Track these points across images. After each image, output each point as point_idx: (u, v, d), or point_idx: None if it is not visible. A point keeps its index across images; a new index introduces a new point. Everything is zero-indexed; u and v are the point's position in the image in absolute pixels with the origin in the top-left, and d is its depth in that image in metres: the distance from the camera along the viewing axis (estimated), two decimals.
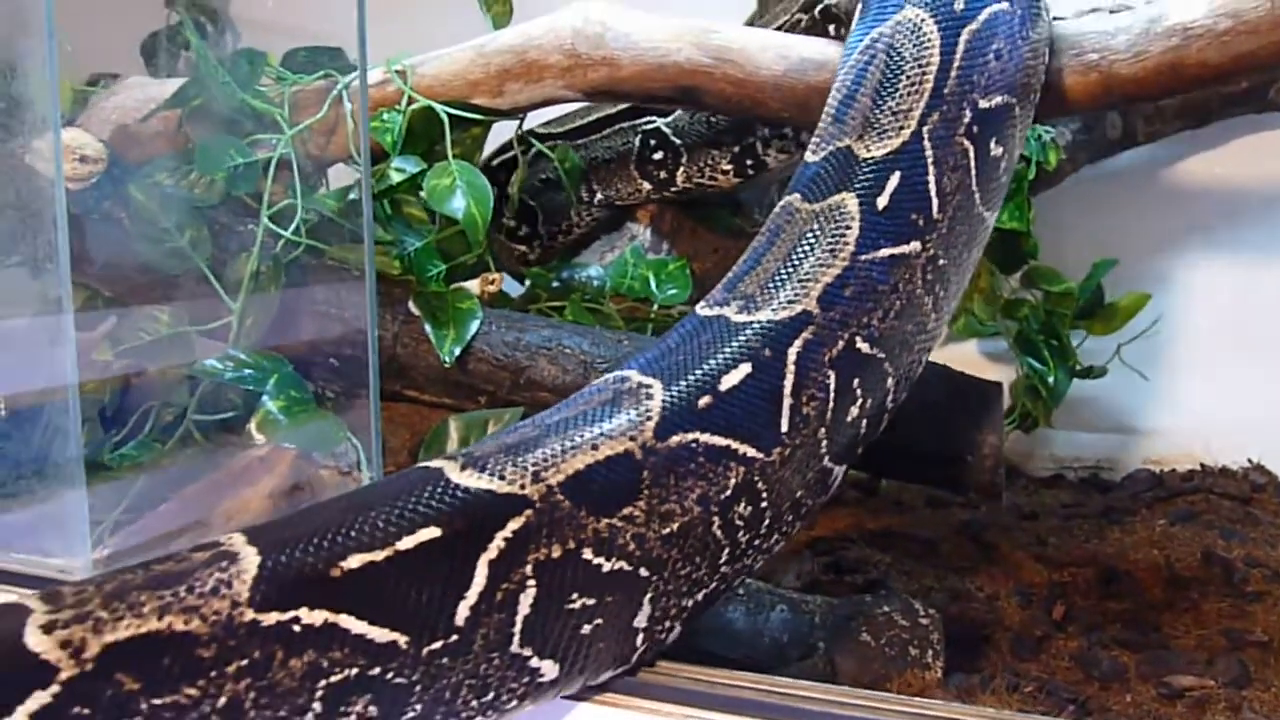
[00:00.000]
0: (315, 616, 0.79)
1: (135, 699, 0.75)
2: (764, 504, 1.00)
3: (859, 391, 1.05)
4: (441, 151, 1.46)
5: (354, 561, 0.81)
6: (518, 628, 0.87)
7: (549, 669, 0.91)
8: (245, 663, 0.78)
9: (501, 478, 0.88)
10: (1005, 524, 1.89)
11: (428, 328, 1.40)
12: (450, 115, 1.47)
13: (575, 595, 0.90)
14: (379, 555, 0.82)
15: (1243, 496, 2.09)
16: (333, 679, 0.80)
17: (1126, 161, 2.07)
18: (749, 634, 1.22)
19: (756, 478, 0.98)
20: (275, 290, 1.39)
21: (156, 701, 0.75)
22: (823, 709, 0.91)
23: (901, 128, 1.08)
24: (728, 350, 0.99)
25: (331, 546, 0.81)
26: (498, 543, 0.86)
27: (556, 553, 0.88)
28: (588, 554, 0.90)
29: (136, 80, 1.66)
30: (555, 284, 1.68)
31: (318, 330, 1.43)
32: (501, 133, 1.75)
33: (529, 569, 0.87)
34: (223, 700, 0.77)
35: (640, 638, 0.96)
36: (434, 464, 0.89)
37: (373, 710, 0.82)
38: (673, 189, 1.77)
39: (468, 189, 1.39)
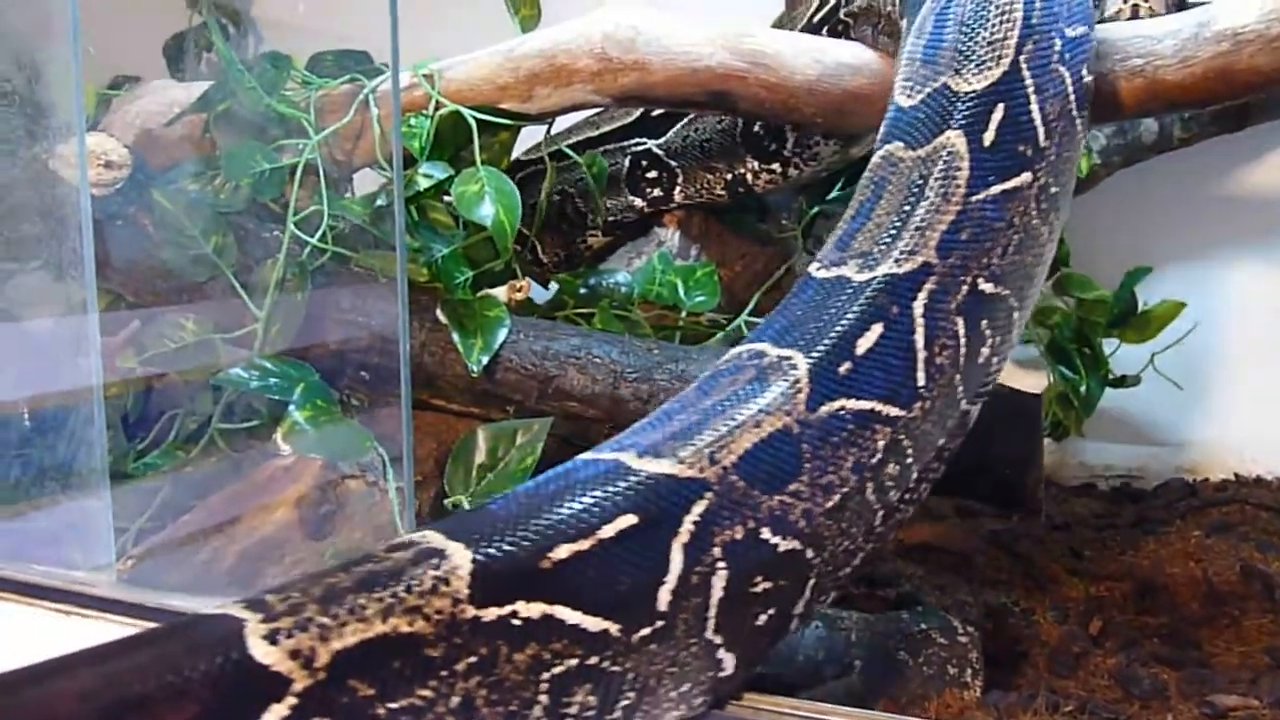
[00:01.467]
0: (532, 609, 0.80)
1: (372, 705, 0.74)
2: (909, 460, 1.02)
3: (988, 332, 1.06)
4: (469, 157, 1.44)
5: (562, 552, 0.82)
6: (712, 613, 0.88)
7: (729, 662, 0.92)
8: (473, 660, 0.77)
9: (681, 462, 0.89)
10: (1038, 535, 1.85)
11: (455, 336, 1.38)
12: (478, 120, 1.45)
13: (758, 578, 0.91)
14: (584, 545, 0.82)
15: (1279, 507, 2.05)
16: (555, 670, 0.81)
17: (1162, 166, 2.03)
18: (784, 652, 1.20)
19: (901, 436, 1.00)
20: (301, 297, 1.37)
21: (393, 706, 0.75)
22: None
23: (1000, 57, 1.06)
24: (856, 312, 0.99)
25: (538, 539, 0.82)
26: (687, 526, 0.87)
27: (739, 534, 0.89)
28: (765, 533, 0.91)
29: (160, 83, 1.65)
30: (583, 290, 1.66)
31: (344, 338, 1.42)
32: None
33: (718, 551, 0.88)
34: (455, 700, 0.77)
35: (794, 623, 0.99)
36: (605, 455, 0.90)
37: (593, 700, 0.83)
38: (671, 205, 1.75)
39: (496, 195, 1.37)
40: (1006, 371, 2.24)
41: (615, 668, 0.84)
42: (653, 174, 1.71)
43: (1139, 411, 2.21)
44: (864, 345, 0.98)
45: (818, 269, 1.04)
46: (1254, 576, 1.63)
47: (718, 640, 0.90)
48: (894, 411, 0.98)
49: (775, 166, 1.64)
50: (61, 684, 0.70)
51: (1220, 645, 1.47)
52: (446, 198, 1.44)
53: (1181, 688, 1.34)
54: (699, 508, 0.88)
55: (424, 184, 1.40)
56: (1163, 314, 2.07)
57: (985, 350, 1.06)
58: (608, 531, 0.83)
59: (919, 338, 0.99)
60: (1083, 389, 2.03)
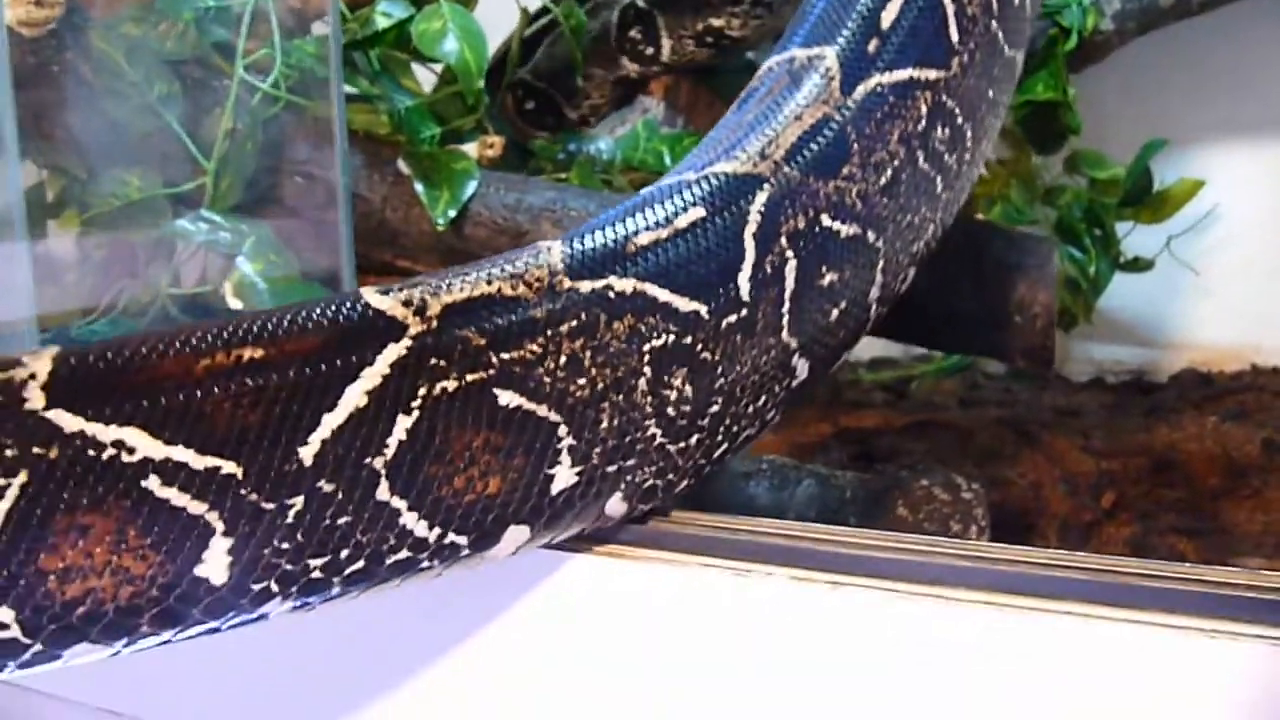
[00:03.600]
0: (625, 284, 0.84)
1: (485, 353, 0.78)
2: (959, 119, 1.03)
3: None
4: None
5: (644, 239, 0.87)
6: (786, 308, 0.92)
7: (802, 368, 0.96)
8: (575, 323, 0.82)
9: (735, 160, 0.93)
10: (1045, 419, 1.76)
11: (419, 188, 1.28)
12: None
13: (824, 269, 0.94)
14: (663, 233, 0.88)
15: None
16: (654, 342, 0.85)
17: (1181, 33, 1.91)
18: (772, 509, 1.11)
19: (944, 96, 1.02)
20: (252, 149, 1.27)
21: (505, 356, 0.79)
22: (859, 552, 0.79)
23: None
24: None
25: (620, 228, 0.87)
26: (754, 216, 0.91)
27: (801, 223, 0.93)
28: (826, 220, 0.95)
29: None
30: (561, 156, 1.55)
31: (299, 193, 1.31)
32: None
33: (784, 240, 0.92)
34: (564, 357, 0.81)
35: (871, 314, 1.01)
36: (666, 180, 0.94)
37: (689, 391, 0.87)
38: (660, 64, 1.64)
39: (461, 33, 1.26)
40: None
41: (706, 354, 0.88)
42: (635, 31, 1.60)
43: (1150, 304, 2.11)
44: (888, 18, 1.00)
45: None
46: (1277, 449, 1.54)
47: (793, 343, 0.93)
48: (931, 74, 1.00)
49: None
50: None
51: (1241, 515, 1.38)
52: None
53: (1202, 555, 1.26)
54: (760, 198, 0.92)
55: (382, 23, 1.29)
56: (1180, 193, 1.97)
57: None
58: (681, 222, 0.88)
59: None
60: (1092, 271, 1.93)
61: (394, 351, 0.75)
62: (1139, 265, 1.96)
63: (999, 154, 2.00)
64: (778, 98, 0.99)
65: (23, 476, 0.68)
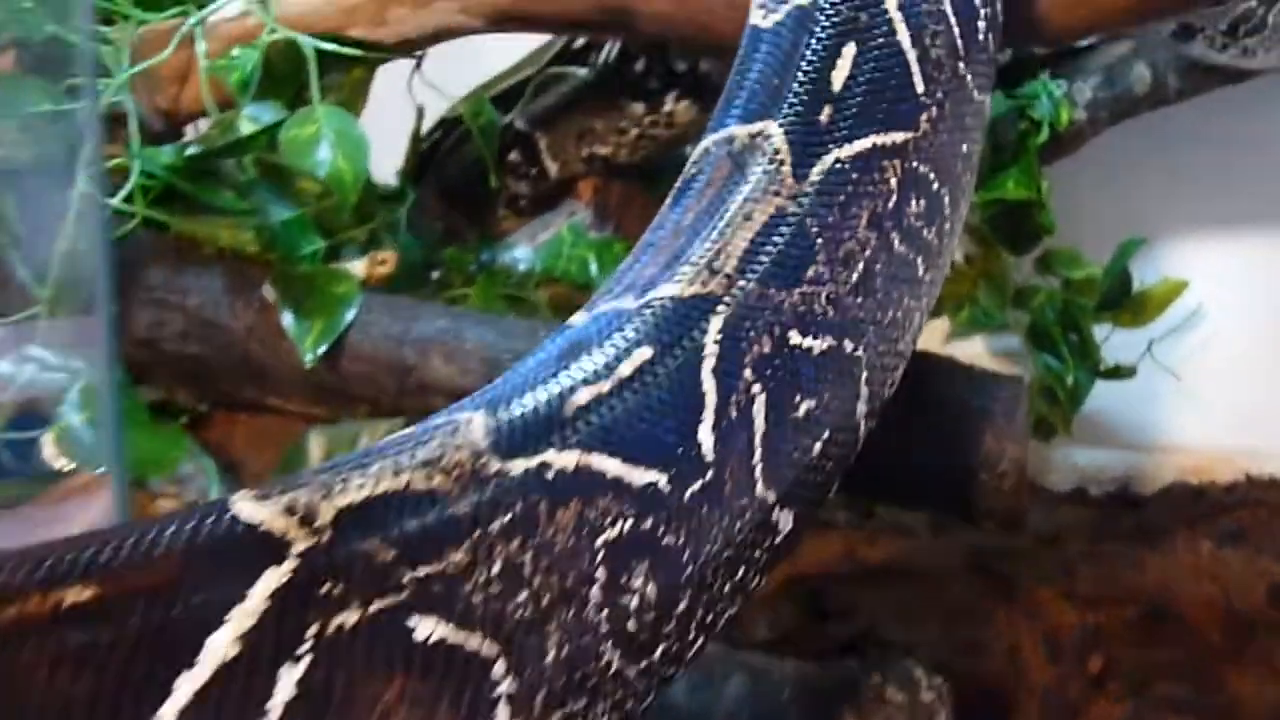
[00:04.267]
0: (566, 459, 0.68)
1: (395, 569, 0.62)
2: (935, 185, 0.89)
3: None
4: (312, 98, 1.17)
5: (583, 397, 0.71)
6: (758, 455, 0.77)
7: (785, 520, 0.79)
8: (508, 518, 0.65)
9: (680, 282, 0.78)
10: (1023, 551, 1.58)
11: (287, 317, 1.10)
12: (323, 53, 1.17)
13: (798, 398, 0.79)
14: (605, 385, 0.72)
15: None
16: (608, 533, 0.69)
17: (1157, 123, 1.76)
18: (694, 715, 0.92)
19: (916, 162, 0.86)
20: (95, 272, 1.09)
21: (422, 572, 0.62)
22: None
23: None
24: (822, 39, 0.86)
25: (554, 387, 0.71)
26: (710, 348, 0.76)
27: (767, 346, 0.79)
28: (794, 337, 0.80)
29: None
30: (473, 267, 1.38)
31: (154, 321, 1.13)
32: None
33: (749, 373, 0.77)
34: (497, 565, 0.64)
35: (863, 426, 0.87)
36: (601, 307, 0.79)
37: (650, 590, 0.71)
38: (552, 182, 1.49)
39: (337, 139, 1.09)
40: (982, 363, 1.99)
41: (670, 538, 0.71)
42: (516, 153, 1.46)
43: (1135, 408, 1.95)
44: (840, 77, 0.84)
45: (762, 15, 0.88)
46: None
47: (770, 497, 0.77)
48: (898, 138, 0.85)
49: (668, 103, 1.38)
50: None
51: (1248, 685, 1.20)
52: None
53: None
54: (715, 323, 0.77)
55: (247, 129, 1.11)
56: (1161, 294, 1.81)
57: (982, 22, 0.92)
58: (625, 369, 0.73)
59: (903, 36, 0.85)
60: (1070, 380, 1.76)
61: (273, 578, 0.59)
62: (1120, 373, 1.80)
63: (966, 252, 1.85)
64: (721, 193, 0.84)
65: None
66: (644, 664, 0.72)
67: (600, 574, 0.68)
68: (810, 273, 0.81)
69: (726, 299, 0.78)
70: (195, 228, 1.17)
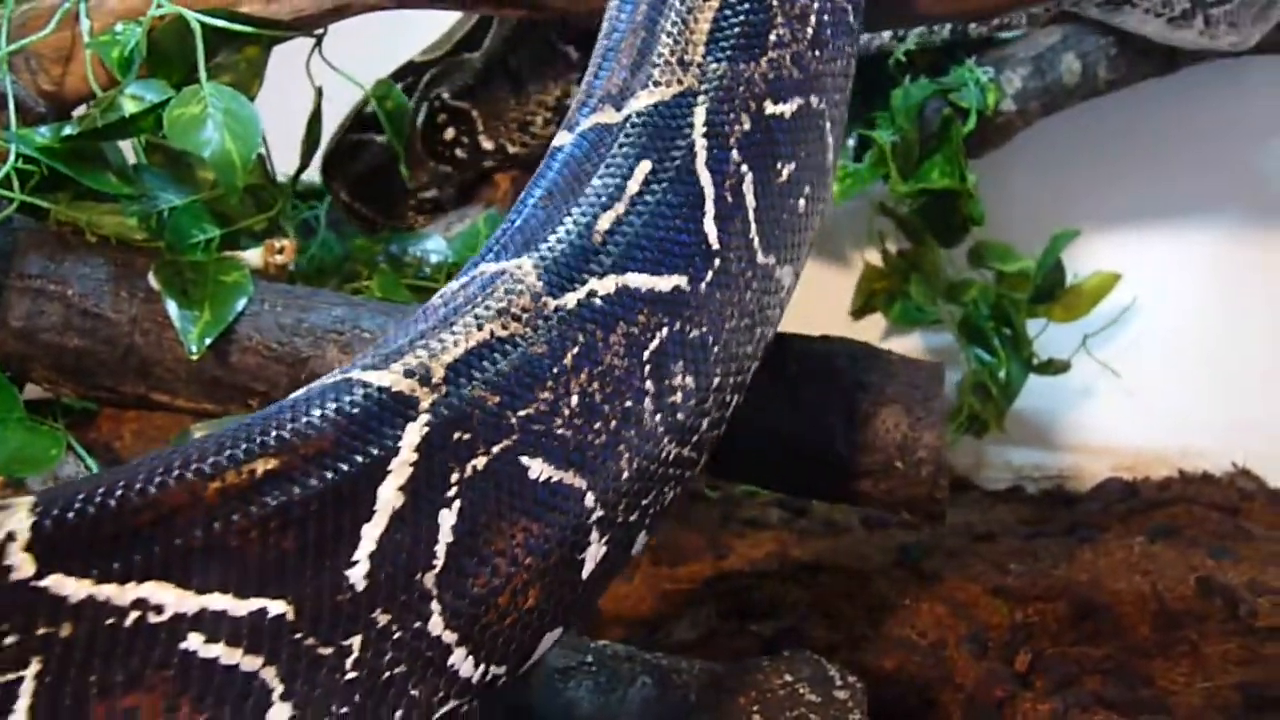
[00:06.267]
0: (606, 284, 0.76)
1: (503, 413, 0.69)
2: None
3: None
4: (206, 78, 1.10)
5: (604, 223, 0.78)
6: (754, 230, 0.83)
7: (786, 277, 0.88)
8: (575, 351, 0.73)
9: (655, 87, 0.84)
10: (954, 547, 1.55)
11: (171, 307, 1.04)
12: (215, 30, 1.11)
13: (780, 165, 0.86)
14: (620, 207, 0.79)
15: (1230, 506, 1.78)
16: (650, 347, 0.77)
17: (1087, 114, 1.75)
18: (598, 717, 0.87)
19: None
20: None
21: (524, 413, 0.70)
22: None
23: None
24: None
25: (580, 217, 0.78)
26: (700, 142, 0.82)
27: (747, 123, 0.84)
28: (769, 106, 0.86)
29: None
30: (382, 259, 1.33)
31: (30, 312, 1.06)
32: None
33: (735, 154, 0.83)
34: (574, 399, 0.72)
35: (832, 176, 0.95)
36: (587, 122, 0.84)
37: (689, 382, 0.78)
38: (489, 162, 1.45)
39: (224, 119, 1.03)
40: (911, 353, 1.97)
41: (696, 331, 0.79)
42: (450, 131, 1.41)
43: (1069, 403, 1.93)
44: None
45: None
46: (1213, 591, 1.34)
47: (770, 260, 0.85)
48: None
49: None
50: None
51: (1179, 680, 1.17)
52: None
53: None
54: (700, 117, 0.83)
55: (130, 108, 1.05)
56: (1095, 287, 1.79)
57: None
58: (633, 186, 0.80)
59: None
60: (1002, 375, 1.74)
61: (415, 433, 0.66)
62: (1054, 367, 1.78)
63: (899, 245, 1.82)
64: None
65: (35, 666, 0.56)
66: (695, 439, 0.79)
67: (649, 385, 0.75)
68: (773, 36, 0.85)
69: (704, 89, 0.83)
70: (77, 214, 1.10)
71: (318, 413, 0.66)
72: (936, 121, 1.59)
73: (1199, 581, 1.35)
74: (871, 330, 1.92)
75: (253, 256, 1.15)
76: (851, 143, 1.66)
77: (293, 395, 0.69)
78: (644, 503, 0.76)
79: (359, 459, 0.64)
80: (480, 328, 0.72)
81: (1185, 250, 1.84)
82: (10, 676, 0.56)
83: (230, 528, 0.61)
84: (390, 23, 1.29)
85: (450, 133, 1.45)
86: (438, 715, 0.68)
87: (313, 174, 1.42)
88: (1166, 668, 1.18)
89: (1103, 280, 1.78)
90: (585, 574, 0.73)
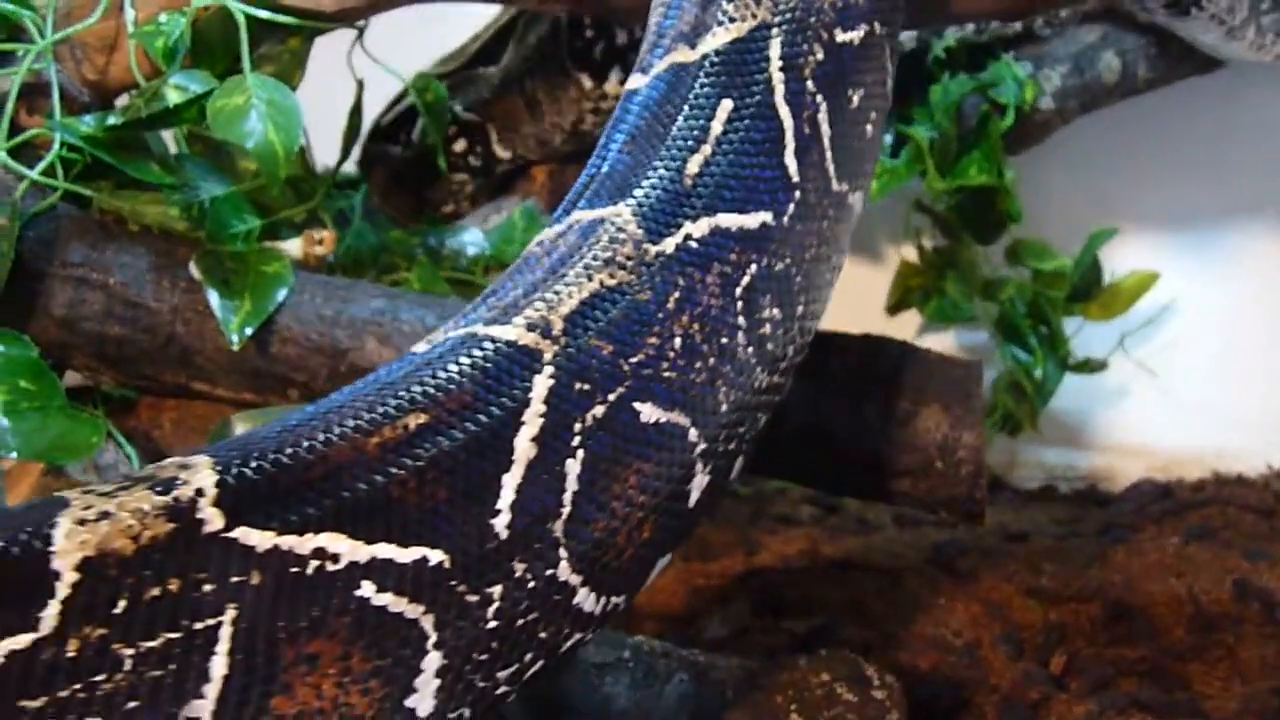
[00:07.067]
0: (700, 226, 0.78)
1: (616, 361, 0.72)
2: None
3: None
4: (262, 70, 1.11)
5: (693, 166, 0.80)
6: (829, 158, 0.85)
7: (857, 203, 0.90)
8: (678, 294, 0.76)
9: (731, 23, 0.85)
10: (988, 547, 1.54)
11: (212, 297, 1.05)
12: (259, 21, 1.12)
13: (849, 91, 0.87)
14: (706, 149, 0.80)
15: (1265, 509, 1.75)
16: (742, 284, 0.79)
17: (1126, 112, 1.73)
18: (635, 713, 0.87)
19: None
20: (7, 248, 1.03)
21: (634, 360, 0.73)
22: None
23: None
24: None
25: (668, 160, 0.80)
26: (777, 76, 0.83)
27: (819, 53, 0.86)
28: (839, 35, 0.87)
29: None
30: (419, 251, 1.33)
31: (73, 300, 1.07)
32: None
33: (810, 84, 0.85)
34: (677, 341, 0.75)
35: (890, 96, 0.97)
36: (661, 64, 0.86)
37: (776, 313, 0.81)
38: (614, 74, 1.44)
39: (268, 109, 1.03)
40: (946, 350, 1.96)
41: (781, 264, 0.81)
42: (461, 142, 1.41)
43: (1103, 403, 1.92)
44: None
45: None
46: (1249, 594, 1.32)
47: (844, 187, 0.87)
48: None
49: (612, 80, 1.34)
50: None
51: (1215, 683, 1.16)
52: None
53: None
54: (776, 50, 0.84)
55: (174, 99, 1.06)
56: (1132, 287, 1.78)
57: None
58: (717, 127, 0.81)
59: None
60: (1038, 374, 1.72)
61: (542, 385, 0.69)
62: (1090, 367, 1.76)
63: (935, 242, 1.81)
64: None
65: (231, 612, 0.59)
66: (783, 366, 0.82)
67: (742, 321, 0.78)
68: None
69: (777, 21, 0.84)
70: (119, 203, 1.11)
71: (454, 368, 0.69)
72: (975, 118, 1.58)
73: (1235, 584, 1.34)
74: (907, 326, 1.91)
75: (292, 247, 1.16)
76: (888, 139, 1.65)
77: (418, 350, 0.73)
78: (740, 430, 0.79)
79: (496, 411, 0.67)
80: (590, 278, 0.74)
81: (1224, 250, 1.82)
82: (211, 621, 0.59)
83: (391, 479, 0.64)
84: (430, 17, 1.30)
85: (462, 144, 1.46)
86: (563, 650, 0.71)
87: (327, 154, 1.43)
88: (1202, 671, 1.17)
89: (1140, 279, 1.76)
90: (692, 503, 0.76)
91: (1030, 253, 1.75)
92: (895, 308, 1.87)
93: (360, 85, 1.23)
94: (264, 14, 1.10)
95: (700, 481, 0.76)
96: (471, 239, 1.37)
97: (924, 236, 1.80)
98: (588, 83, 1.40)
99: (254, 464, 0.63)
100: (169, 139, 1.21)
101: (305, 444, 0.64)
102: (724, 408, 0.77)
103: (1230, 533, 1.61)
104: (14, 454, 0.99)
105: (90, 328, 1.07)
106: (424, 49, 1.49)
